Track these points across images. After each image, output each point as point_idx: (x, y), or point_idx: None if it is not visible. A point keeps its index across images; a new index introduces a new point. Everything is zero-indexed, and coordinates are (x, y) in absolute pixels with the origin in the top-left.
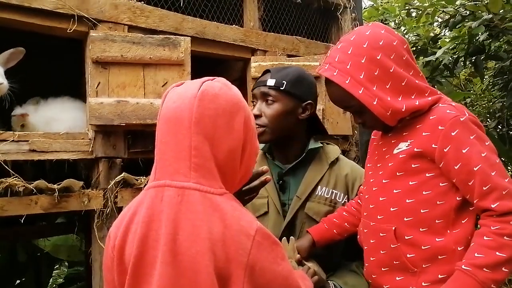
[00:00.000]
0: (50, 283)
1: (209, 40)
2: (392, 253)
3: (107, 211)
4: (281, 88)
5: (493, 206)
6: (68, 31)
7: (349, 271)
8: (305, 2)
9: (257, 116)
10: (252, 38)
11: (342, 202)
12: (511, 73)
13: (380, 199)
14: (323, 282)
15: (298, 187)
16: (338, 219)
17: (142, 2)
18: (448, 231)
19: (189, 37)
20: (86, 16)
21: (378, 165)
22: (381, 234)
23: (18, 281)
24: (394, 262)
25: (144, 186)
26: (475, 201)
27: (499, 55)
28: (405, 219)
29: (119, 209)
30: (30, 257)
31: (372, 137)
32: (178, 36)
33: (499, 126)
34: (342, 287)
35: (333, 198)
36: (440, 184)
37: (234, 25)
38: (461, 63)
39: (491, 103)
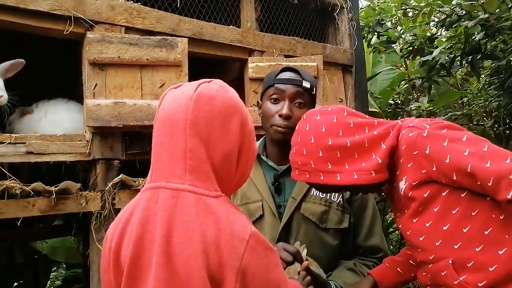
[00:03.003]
0: (48, 285)
1: (206, 41)
2: None
3: (105, 213)
4: (312, 93)
5: (509, 197)
6: (64, 32)
7: (348, 270)
8: (302, 2)
9: (288, 117)
10: (249, 39)
11: (337, 201)
12: (507, 72)
13: (420, 239)
14: (324, 284)
15: (293, 188)
16: (401, 257)
17: (139, 3)
18: (507, 236)
19: (186, 38)
20: (83, 17)
21: (404, 211)
22: (442, 273)
23: (16, 284)
24: None
25: (142, 188)
26: (494, 198)
27: (495, 55)
28: (455, 246)
29: (117, 211)
30: (28, 260)
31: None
32: (175, 37)
33: (495, 125)
34: (342, 287)
35: (328, 197)
36: (462, 196)
37: (231, 26)
38: (458, 62)
39: (488, 102)
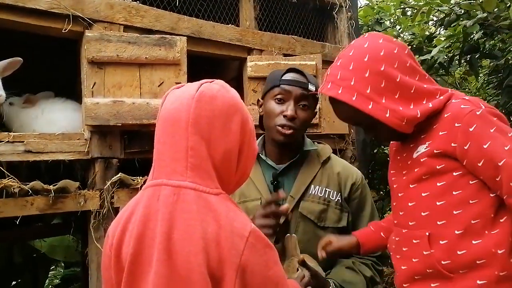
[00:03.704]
0: (46, 284)
1: (205, 40)
2: (425, 260)
3: (104, 212)
4: (316, 96)
5: None
6: (63, 31)
7: (346, 268)
8: (301, 1)
9: (292, 118)
10: (248, 38)
11: (335, 200)
12: (506, 71)
13: (409, 204)
14: (323, 282)
15: (291, 187)
16: (385, 222)
17: (138, 1)
18: (486, 232)
19: (185, 37)
20: (81, 16)
21: (402, 171)
22: (414, 241)
23: (14, 282)
24: (428, 271)
25: (141, 187)
26: (504, 198)
27: (494, 54)
28: (438, 222)
29: (116, 210)
30: (27, 258)
31: (391, 142)
32: (174, 36)
33: None
34: (341, 285)
35: (326, 196)
36: (470, 182)
37: (230, 25)
38: (456, 61)
39: (486, 101)
